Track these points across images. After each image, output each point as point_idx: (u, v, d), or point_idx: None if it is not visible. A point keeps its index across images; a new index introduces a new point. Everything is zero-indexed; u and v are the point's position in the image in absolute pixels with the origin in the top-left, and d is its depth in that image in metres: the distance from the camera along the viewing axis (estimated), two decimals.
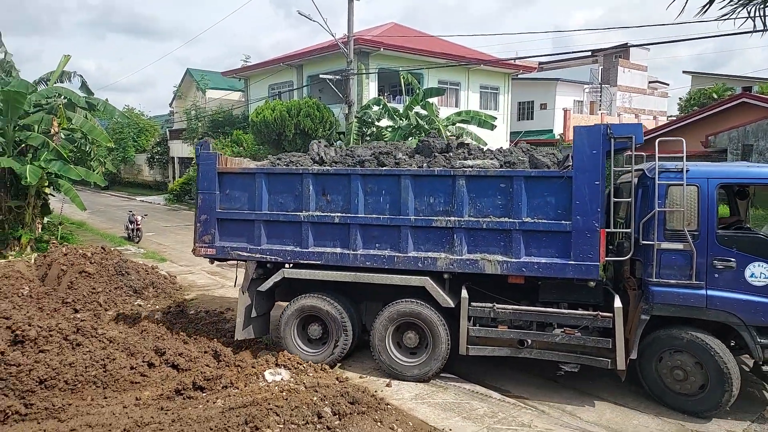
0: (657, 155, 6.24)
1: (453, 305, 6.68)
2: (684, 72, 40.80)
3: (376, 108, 20.15)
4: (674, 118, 27.82)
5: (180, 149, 35.49)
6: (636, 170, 6.26)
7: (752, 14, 3.55)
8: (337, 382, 6.51)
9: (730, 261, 5.89)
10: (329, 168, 7.09)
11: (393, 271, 6.84)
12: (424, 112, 19.62)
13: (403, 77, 20.21)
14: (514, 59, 26.63)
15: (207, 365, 6.87)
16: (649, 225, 6.11)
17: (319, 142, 7.91)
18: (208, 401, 5.80)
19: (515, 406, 6.21)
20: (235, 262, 7.99)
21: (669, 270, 6.03)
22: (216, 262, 8.46)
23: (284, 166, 7.36)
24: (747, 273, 5.86)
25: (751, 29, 3.75)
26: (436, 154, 7.01)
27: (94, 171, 15.83)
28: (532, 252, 6.30)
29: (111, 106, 16.07)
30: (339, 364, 7.31)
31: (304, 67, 26.21)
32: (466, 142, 7.70)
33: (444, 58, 24.67)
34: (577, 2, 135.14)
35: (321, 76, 21.64)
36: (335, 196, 6.98)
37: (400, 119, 19.84)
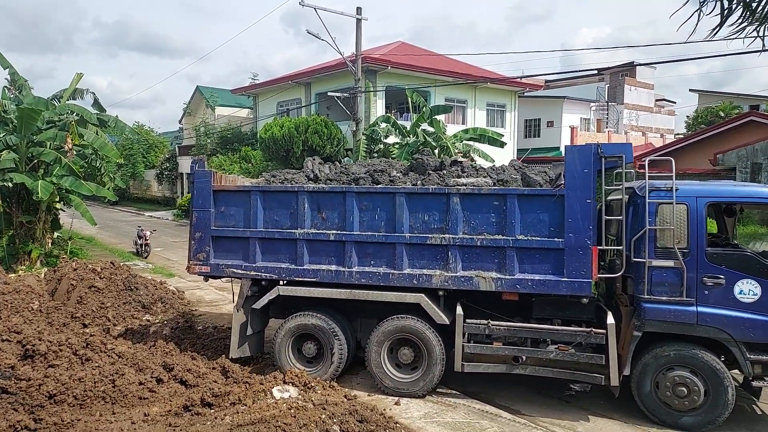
0: (647, 174, 6.31)
1: (448, 322, 6.69)
2: (691, 90, 40.87)
3: (383, 125, 20.32)
4: (682, 136, 27.84)
5: (189, 165, 35.75)
6: (626, 188, 6.34)
7: (761, 33, 3.59)
8: (345, 400, 6.47)
9: (720, 278, 5.96)
10: (324, 186, 7.13)
11: (388, 288, 6.85)
12: (431, 129, 19.76)
13: (410, 95, 20.39)
14: (521, 77, 26.84)
15: (215, 381, 6.85)
16: (640, 242, 6.17)
17: (314, 159, 7.95)
18: (216, 418, 5.77)
19: (525, 426, 6.15)
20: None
21: (660, 287, 6.09)
22: (224, 279, 8.47)
23: (279, 184, 7.41)
24: (736, 290, 5.94)
25: (760, 48, 3.78)
26: (430, 171, 7.08)
27: (104, 186, 15.99)
28: (525, 269, 6.36)
29: (121, 122, 16.28)
30: (348, 382, 7.27)
31: (312, 84, 26.52)
32: (459, 159, 7.74)
33: (450, 76, 24.90)
34: (585, 21, 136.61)
35: (329, 93, 21.90)
36: (330, 213, 7.01)
37: (408, 136, 19.98)
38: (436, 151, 19.63)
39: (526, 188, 6.48)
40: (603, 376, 6.24)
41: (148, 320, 10.24)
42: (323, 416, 5.77)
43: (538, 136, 33.75)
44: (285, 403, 6.20)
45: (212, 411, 6.05)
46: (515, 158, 26.89)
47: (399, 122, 20.82)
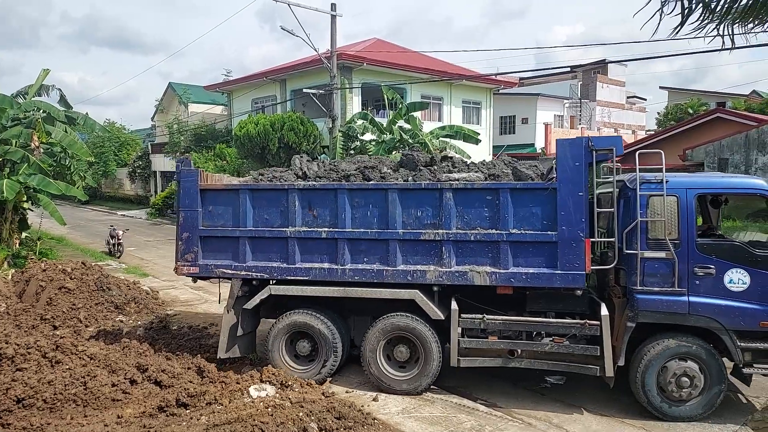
0: (638, 167, 6.39)
1: (443, 317, 6.67)
2: (661, 87, 41.73)
3: (360, 122, 20.27)
4: (652, 132, 28.46)
5: (162, 163, 35.17)
6: (617, 181, 6.41)
7: (722, 32, 3.70)
8: (323, 397, 6.46)
9: (710, 268, 6.06)
10: (315, 183, 7.06)
11: (382, 285, 6.81)
12: (407, 126, 19.79)
13: (386, 92, 20.39)
14: (496, 74, 27.06)
15: (191, 381, 6.76)
16: (631, 234, 6.23)
17: (301, 156, 7.90)
18: (191, 418, 5.70)
19: (502, 419, 6.23)
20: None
21: (652, 278, 6.16)
22: (204, 279, 8.36)
23: (268, 182, 7.31)
24: (726, 279, 6.05)
25: (720, 47, 3.90)
26: (421, 167, 7.07)
27: (74, 185, 15.59)
28: (519, 262, 6.39)
29: (91, 120, 15.91)
30: (330, 380, 7.25)
31: (288, 81, 26.29)
32: (449, 155, 7.78)
33: (426, 73, 24.96)
34: (559, 19, 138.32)
35: (304, 90, 21.74)
36: (322, 210, 6.93)
37: (384, 133, 19.98)
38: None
39: (518, 182, 6.50)
40: (598, 368, 6.29)
41: (122, 321, 10.05)
42: (301, 414, 5.75)
43: (513, 132, 34.12)
44: (262, 402, 6.16)
45: (188, 411, 5.97)
46: (491, 155, 27.15)
47: (375, 119, 20.80)
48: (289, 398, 6.24)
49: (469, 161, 7.34)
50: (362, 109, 22.93)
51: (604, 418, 6.38)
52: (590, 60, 38.26)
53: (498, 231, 6.38)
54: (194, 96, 35.53)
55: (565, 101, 36.25)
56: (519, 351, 6.54)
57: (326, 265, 6.93)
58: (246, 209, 7.12)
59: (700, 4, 3.62)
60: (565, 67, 34.81)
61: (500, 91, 30.71)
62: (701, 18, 3.67)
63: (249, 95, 28.54)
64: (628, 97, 43.09)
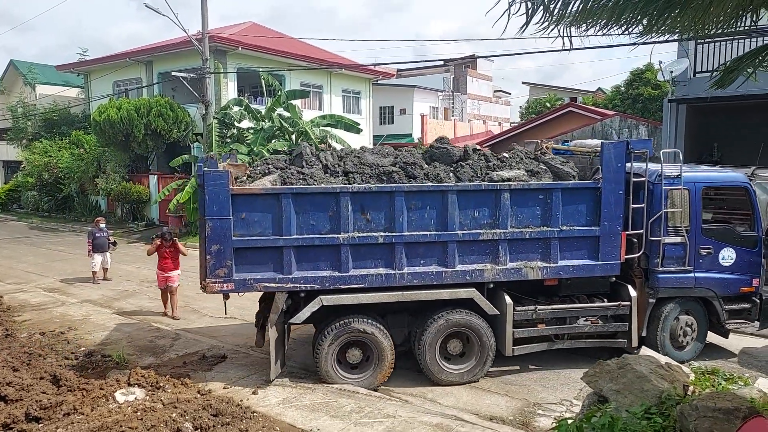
0: (662, 164, 7.22)
1: (498, 313, 6.96)
2: (523, 83, 45.51)
3: (236, 108, 19.47)
4: (516, 124, 30.85)
5: (5, 152, 30.95)
6: (639, 177, 7.14)
7: (561, 33, 4.11)
8: (198, 395, 6.20)
9: (710, 248, 7.45)
10: (371, 186, 6.61)
11: (440, 287, 6.80)
12: (287, 114, 19.41)
13: (264, 78, 19.79)
14: (374, 65, 27.48)
15: (44, 392, 6.09)
16: (654, 224, 7.21)
17: (306, 146, 7.25)
18: None
19: (381, 399, 6.43)
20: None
21: (670, 260, 7.32)
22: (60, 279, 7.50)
23: (302, 183, 6.59)
24: (719, 256, 7.49)
25: (568, 47, 4.33)
26: (462, 163, 7.09)
27: None
28: (566, 256, 6.95)
29: None
30: (206, 378, 6.95)
31: (155, 63, 24.41)
32: (477, 148, 7.70)
33: (305, 60, 24.62)
34: (437, 13, 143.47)
35: (174, 73, 20.30)
36: (376, 214, 6.59)
37: (263, 121, 19.41)
38: (293, 136, 19.38)
39: (570, 182, 7.02)
40: (625, 340, 7.28)
41: None
42: (174, 415, 5.46)
43: (392, 123, 34.98)
44: (130, 407, 5.76)
45: (40, 426, 5.40)
46: (371, 144, 27.60)
47: (253, 106, 20.10)
48: (161, 400, 5.90)
49: (501, 156, 7.43)
50: (238, 96, 22.02)
51: (473, 390, 6.89)
52: (462, 55, 40.36)
53: (549, 228, 6.84)
54: (43, 76, 31.55)
55: (439, 93, 37.92)
56: (564, 334, 7.23)
57: (382, 271, 6.64)
58: (289, 215, 6.42)
59: (541, 6, 3.97)
60: (438, 60, 36.36)
61: (379, 82, 31.27)
62: (542, 19, 4.03)
63: (110, 77, 26.02)
64: (495, 91, 46.22)
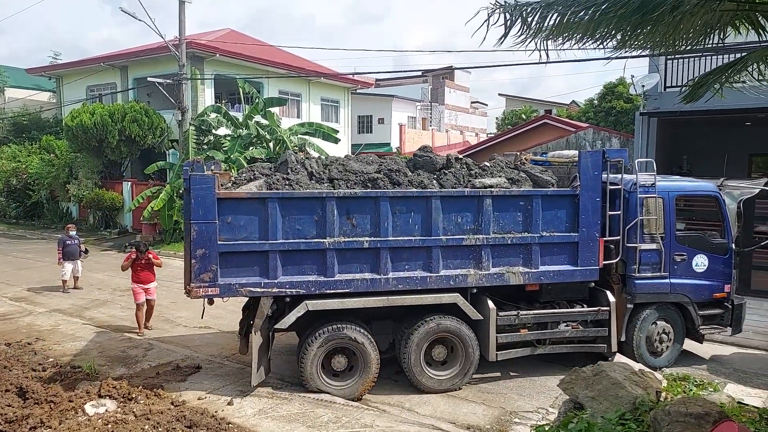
0: (637, 173, 7.46)
1: (482, 318, 6.97)
2: (500, 94, 46.22)
3: (213, 115, 19.28)
4: (492, 135, 31.26)
5: None
6: (615, 185, 7.33)
7: (538, 46, 4.21)
8: (172, 406, 6.07)
9: (684, 255, 7.63)
10: (356, 191, 6.62)
11: (425, 291, 6.84)
12: (265, 122, 19.30)
13: (242, 86, 19.66)
14: (353, 74, 27.58)
15: (9, 406, 5.88)
16: (630, 231, 7.40)
17: (292, 154, 7.21)
18: None
19: (358, 409, 6.39)
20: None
21: (646, 266, 7.48)
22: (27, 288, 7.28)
23: (288, 189, 6.53)
24: (693, 263, 7.68)
25: (544, 60, 4.43)
26: (445, 171, 7.15)
27: None
28: (546, 261, 7.07)
29: None
30: (180, 389, 6.80)
31: (130, 68, 24.05)
32: (460, 157, 7.74)
33: (284, 68, 24.57)
34: (417, 23, 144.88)
35: (149, 79, 20.01)
36: (362, 219, 6.60)
37: (241, 128, 19.26)
38: (271, 144, 19.26)
39: (550, 189, 7.15)
40: (605, 345, 7.39)
41: None
42: (146, 427, 5.35)
43: (371, 132, 35.12)
44: (101, 419, 5.62)
45: None
46: (350, 153, 27.62)
47: (231, 113, 19.93)
48: (134, 411, 5.77)
49: (483, 164, 7.51)
50: (216, 102, 21.81)
51: (451, 399, 6.89)
52: (441, 66, 40.80)
53: (530, 234, 6.96)
54: (13, 79, 30.87)
55: (418, 103, 38.25)
56: (545, 339, 7.29)
57: (368, 276, 6.64)
58: (275, 220, 6.38)
59: (519, 19, 4.07)
60: (416, 71, 36.76)
61: (358, 91, 31.37)
62: (520, 32, 4.13)
63: (83, 81, 25.53)
64: (471, 102, 46.82)
